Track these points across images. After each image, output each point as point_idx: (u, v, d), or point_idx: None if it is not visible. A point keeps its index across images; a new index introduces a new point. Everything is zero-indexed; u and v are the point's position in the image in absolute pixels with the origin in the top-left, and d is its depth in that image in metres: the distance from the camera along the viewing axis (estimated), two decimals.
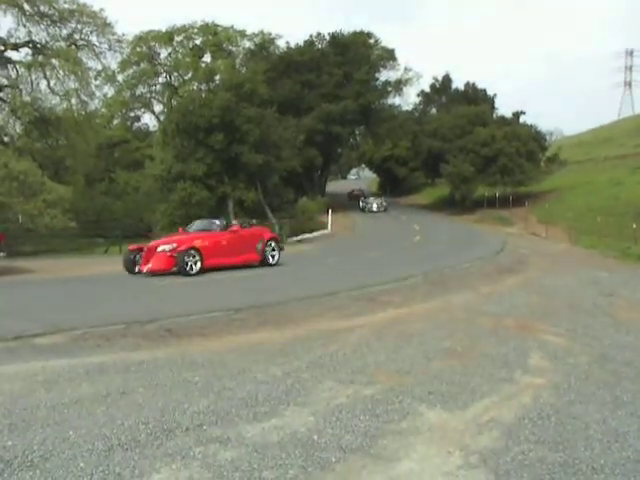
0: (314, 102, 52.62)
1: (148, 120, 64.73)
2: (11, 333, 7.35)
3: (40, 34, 40.65)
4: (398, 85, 62.18)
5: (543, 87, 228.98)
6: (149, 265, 15.85)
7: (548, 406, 5.26)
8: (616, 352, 7.50)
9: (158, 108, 58.86)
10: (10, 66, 40.42)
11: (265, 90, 38.59)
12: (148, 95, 58.66)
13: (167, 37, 55.89)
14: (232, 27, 57.82)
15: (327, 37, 58.79)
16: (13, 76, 40.29)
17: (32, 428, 4.41)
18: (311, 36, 58.77)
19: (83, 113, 43.37)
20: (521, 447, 4.31)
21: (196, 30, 56.82)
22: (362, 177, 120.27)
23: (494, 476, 3.83)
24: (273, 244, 18.61)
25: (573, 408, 5.22)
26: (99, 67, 47.23)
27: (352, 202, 63.43)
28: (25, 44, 40.64)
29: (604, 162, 54.01)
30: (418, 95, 74.94)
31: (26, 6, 38.68)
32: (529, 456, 4.15)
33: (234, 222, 19.24)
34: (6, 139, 39.86)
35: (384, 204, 58.34)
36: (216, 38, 56.48)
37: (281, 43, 59.61)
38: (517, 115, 58.37)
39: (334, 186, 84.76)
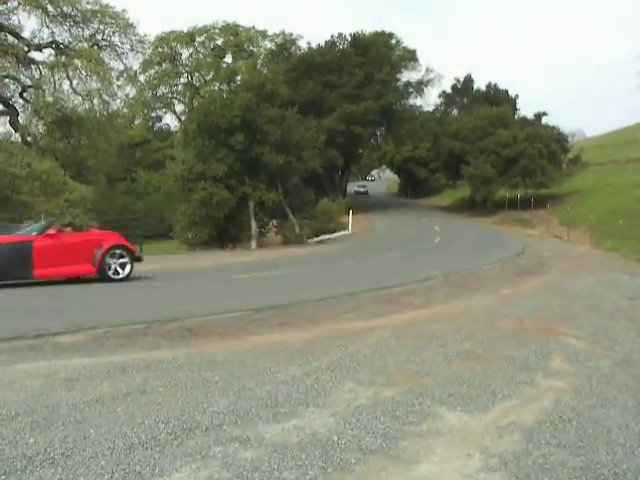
0: (335, 103, 52.58)
1: (169, 120, 65.68)
2: (33, 331, 7.41)
3: (63, 35, 41.29)
4: (419, 86, 62.14)
5: (565, 88, 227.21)
6: None
7: (569, 409, 5.21)
8: (639, 356, 7.42)
9: (179, 108, 59.51)
10: (33, 67, 40.97)
11: (286, 91, 38.67)
12: (169, 95, 59.25)
13: (188, 38, 56.33)
14: (253, 28, 58.26)
15: (348, 37, 58.79)
16: (36, 76, 40.81)
17: (53, 426, 4.43)
18: (332, 36, 58.87)
19: (105, 113, 43.84)
20: (542, 451, 4.27)
21: (217, 31, 57.22)
22: (383, 178, 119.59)
23: None
24: (119, 252, 13.93)
25: (595, 412, 5.17)
26: (121, 67, 47.86)
27: (374, 204, 62.86)
28: (48, 45, 41.16)
29: (626, 164, 53.49)
30: (439, 96, 75.11)
31: (49, 7, 39.21)
32: (550, 460, 4.11)
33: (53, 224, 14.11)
34: (29, 139, 40.33)
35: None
36: (237, 39, 56.82)
37: (302, 44, 59.92)
38: (539, 116, 58.16)
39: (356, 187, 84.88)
